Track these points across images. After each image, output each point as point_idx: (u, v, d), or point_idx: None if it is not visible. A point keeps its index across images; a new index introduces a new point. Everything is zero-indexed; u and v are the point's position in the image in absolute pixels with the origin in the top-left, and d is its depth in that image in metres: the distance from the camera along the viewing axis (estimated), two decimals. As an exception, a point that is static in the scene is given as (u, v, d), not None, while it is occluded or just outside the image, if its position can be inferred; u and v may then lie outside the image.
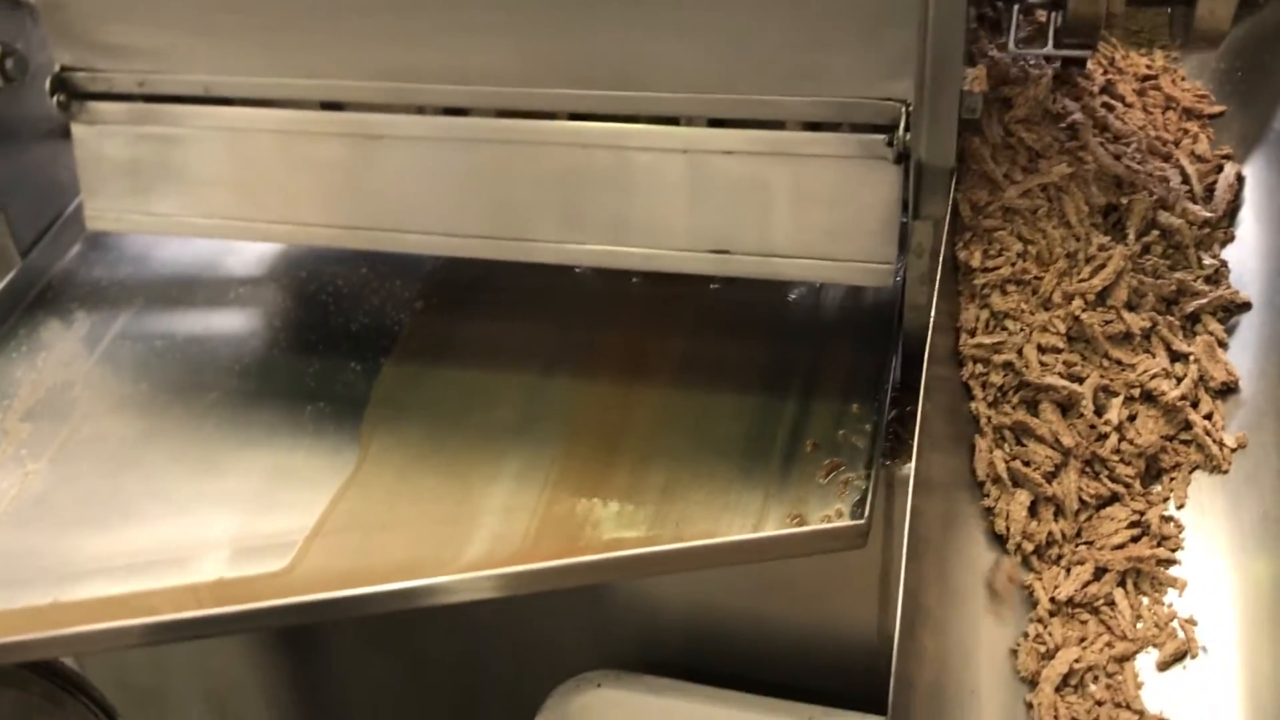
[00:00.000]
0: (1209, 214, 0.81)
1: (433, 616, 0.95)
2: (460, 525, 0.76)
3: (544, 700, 0.89)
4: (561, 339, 0.88)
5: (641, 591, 0.92)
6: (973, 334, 0.74)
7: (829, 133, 0.69)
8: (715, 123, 0.72)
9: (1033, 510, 0.70)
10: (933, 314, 0.68)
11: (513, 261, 0.94)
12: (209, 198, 0.82)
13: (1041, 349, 0.73)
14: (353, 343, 0.89)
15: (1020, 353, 0.73)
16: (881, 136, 0.68)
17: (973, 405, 0.73)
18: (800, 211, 0.71)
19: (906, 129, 0.66)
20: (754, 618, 0.90)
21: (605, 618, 0.94)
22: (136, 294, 0.96)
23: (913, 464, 0.64)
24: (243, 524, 0.78)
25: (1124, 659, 0.65)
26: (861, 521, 0.70)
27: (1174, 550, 0.69)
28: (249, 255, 0.98)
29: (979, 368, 0.73)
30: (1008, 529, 0.70)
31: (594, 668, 0.92)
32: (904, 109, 0.67)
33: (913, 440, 0.71)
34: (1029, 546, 0.69)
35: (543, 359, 0.86)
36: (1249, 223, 0.83)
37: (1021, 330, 0.73)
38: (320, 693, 1.05)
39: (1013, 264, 0.74)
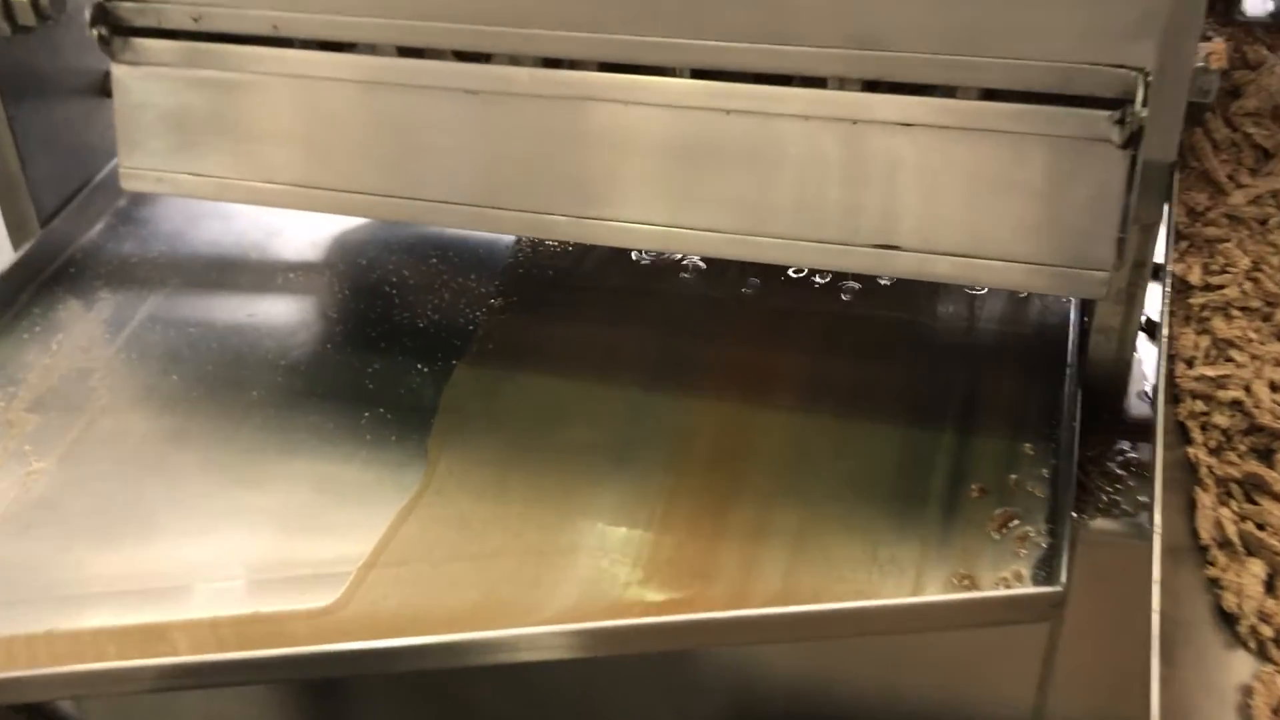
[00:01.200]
0: None
1: (491, 667, 0.82)
2: (547, 566, 0.62)
3: (622, 776, 0.75)
4: (665, 350, 0.75)
5: (738, 652, 0.78)
6: (1191, 364, 0.61)
7: (1038, 105, 0.56)
8: (869, 86, 0.59)
9: (1270, 585, 0.56)
10: (1166, 337, 0.55)
11: (609, 256, 0.82)
12: (268, 158, 0.69)
13: (1274, 387, 0.59)
14: (420, 342, 0.76)
15: (1249, 390, 0.59)
16: (1106, 113, 0.55)
17: (1191, 450, 0.60)
18: (993, 202, 0.58)
19: (1144, 103, 0.53)
20: (872, 690, 0.76)
21: (692, 682, 0.80)
22: (171, 274, 0.84)
23: (1157, 524, 0.50)
24: (283, 547, 0.65)
25: (1398, 784, 0.51)
26: (1057, 588, 0.56)
27: None
28: (301, 238, 0.86)
29: (1199, 405, 0.60)
30: (1240, 607, 0.56)
31: (675, 738, 0.78)
32: (1142, 79, 0.54)
33: (1148, 494, 0.58)
34: (1267, 631, 0.55)
35: (643, 372, 0.73)
36: None
37: (1250, 363, 0.60)
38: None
39: (1240, 285, 0.61)
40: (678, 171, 0.62)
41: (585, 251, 0.82)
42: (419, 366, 0.74)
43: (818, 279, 0.78)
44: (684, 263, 0.80)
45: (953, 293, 0.76)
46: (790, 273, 0.79)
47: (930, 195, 0.59)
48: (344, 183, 0.68)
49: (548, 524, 0.65)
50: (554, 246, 0.83)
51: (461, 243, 0.84)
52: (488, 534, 0.65)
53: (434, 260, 0.82)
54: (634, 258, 0.81)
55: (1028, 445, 0.66)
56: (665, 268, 0.80)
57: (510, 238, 0.83)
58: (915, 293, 0.77)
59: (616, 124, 0.62)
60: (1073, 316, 0.73)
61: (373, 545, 0.64)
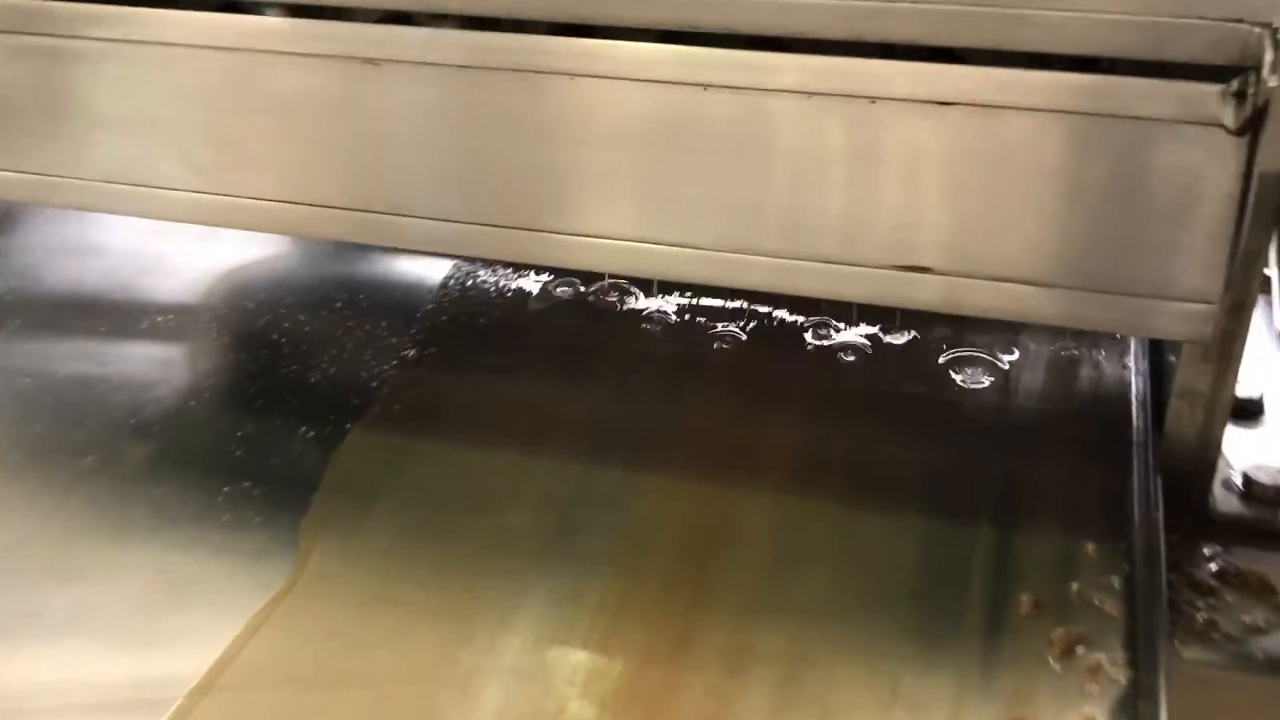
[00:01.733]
0: None
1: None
2: (446, 695, 0.46)
3: None
4: (619, 418, 0.59)
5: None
6: (1320, 438, 0.45)
7: (1119, 77, 0.42)
8: (888, 51, 0.44)
9: None
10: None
11: (555, 303, 0.66)
12: (119, 151, 0.54)
13: None
14: (308, 400, 0.60)
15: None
16: (1215, 86, 0.41)
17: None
18: (1055, 208, 0.43)
19: (1274, 69, 0.39)
20: None
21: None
22: (10, 316, 0.68)
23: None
24: (96, 662, 0.48)
25: None
26: (1155, 745, 0.40)
27: None
28: (178, 276, 0.70)
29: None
30: None
31: None
32: (1269, 37, 0.39)
33: (1255, 613, 0.43)
34: None
35: (591, 444, 0.57)
36: None
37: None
38: None
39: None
40: (641, 167, 0.47)
41: (524, 297, 0.67)
42: (303, 430, 0.58)
43: (810, 337, 0.63)
44: (647, 311, 0.65)
45: (978, 359, 0.62)
46: (778, 328, 0.64)
47: (969, 199, 0.44)
48: (203, 183, 0.52)
49: (451, 639, 0.48)
50: (488, 289, 0.68)
51: (375, 285, 0.68)
52: (369, 650, 0.48)
53: (339, 305, 0.67)
54: (588, 303, 0.66)
55: (1090, 545, 0.50)
56: (624, 319, 0.65)
57: (435, 278, 0.68)
58: (932, 358, 0.62)
59: (562, 104, 0.47)
60: (1135, 385, 0.58)
61: (210, 661, 0.47)
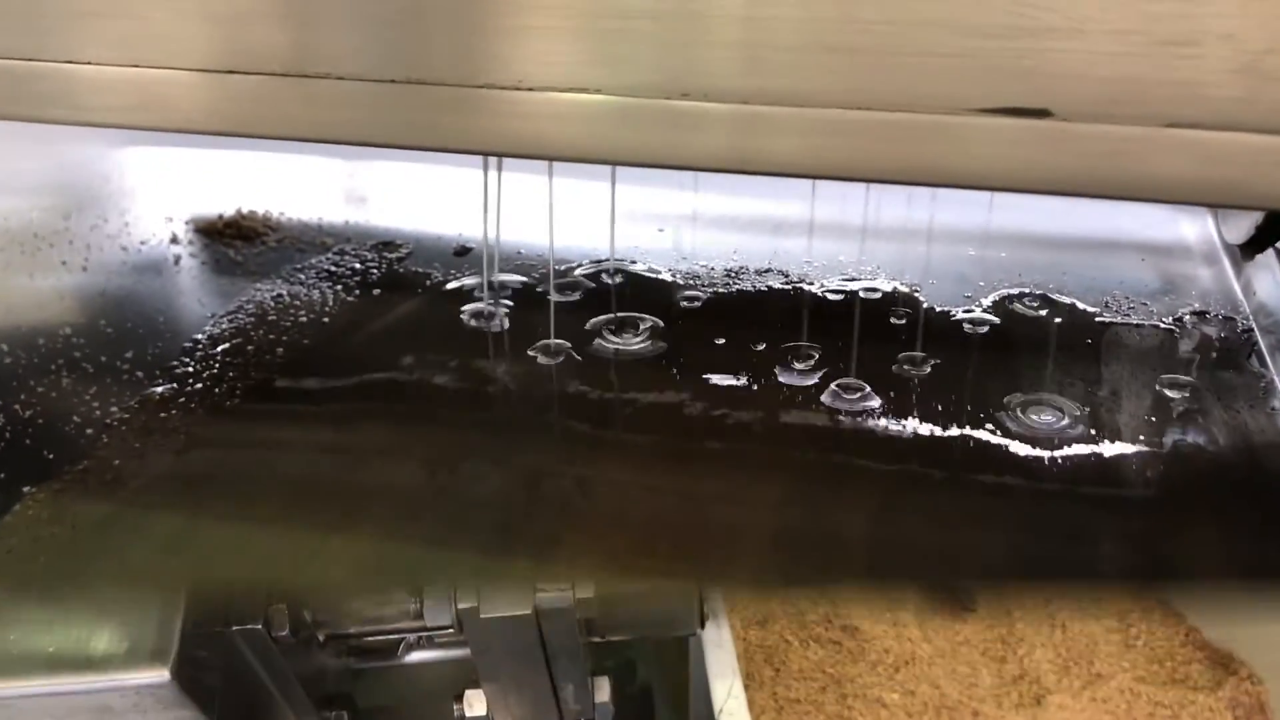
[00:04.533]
0: None
1: None
2: None
3: None
4: (469, 484, 0.36)
5: None
6: None
7: None
8: None
9: None
10: None
11: (397, 322, 0.45)
12: None
13: None
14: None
15: None
16: None
17: None
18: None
19: None
20: None
21: None
22: None
23: None
24: None
25: None
26: None
27: None
28: None
29: None
30: None
31: None
32: None
33: None
34: None
35: (424, 517, 0.34)
36: None
37: None
38: None
39: None
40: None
41: (356, 318, 0.45)
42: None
43: (794, 375, 0.42)
44: (517, 345, 0.43)
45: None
46: (717, 376, 0.42)
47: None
48: (36, 45, 0.30)
49: None
50: (300, 308, 0.45)
51: (133, 307, 0.46)
52: None
53: (66, 331, 0.44)
54: (440, 326, 0.44)
55: None
56: (495, 353, 0.43)
57: (222, 300, 0.46)
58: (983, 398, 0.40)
59: None
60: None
61: None
